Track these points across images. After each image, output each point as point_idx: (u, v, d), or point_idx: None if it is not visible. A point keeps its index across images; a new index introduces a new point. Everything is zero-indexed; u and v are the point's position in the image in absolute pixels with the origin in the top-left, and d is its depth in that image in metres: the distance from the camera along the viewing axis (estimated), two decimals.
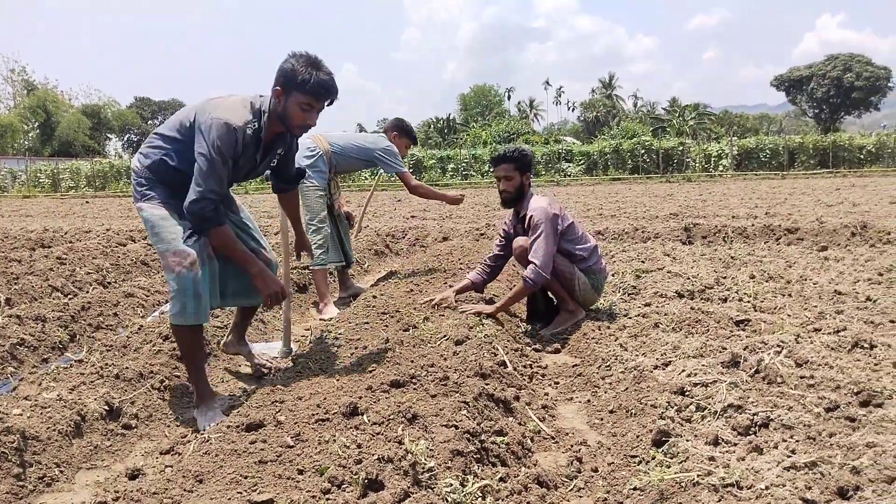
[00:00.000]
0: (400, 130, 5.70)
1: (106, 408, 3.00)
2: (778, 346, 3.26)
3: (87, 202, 27.15)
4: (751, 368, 2.98)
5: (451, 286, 4.69)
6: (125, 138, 77.27)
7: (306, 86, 2.89)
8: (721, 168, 33.57)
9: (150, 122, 78.64)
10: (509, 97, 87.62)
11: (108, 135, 73.32)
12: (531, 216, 4.35)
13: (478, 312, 4.22)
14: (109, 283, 6.28)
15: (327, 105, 3.04)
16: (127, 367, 3.39)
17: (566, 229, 4.46)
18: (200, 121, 2.93)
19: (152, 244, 3.36)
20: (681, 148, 35.12)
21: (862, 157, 32.91)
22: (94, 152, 57.19)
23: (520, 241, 4.51)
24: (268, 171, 3.41)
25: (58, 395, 2.97)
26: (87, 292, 5.70)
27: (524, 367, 3.75)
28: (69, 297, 5.41)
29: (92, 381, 3.23)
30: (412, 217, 13.61)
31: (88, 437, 2.83)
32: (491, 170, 5.11)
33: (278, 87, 2.95)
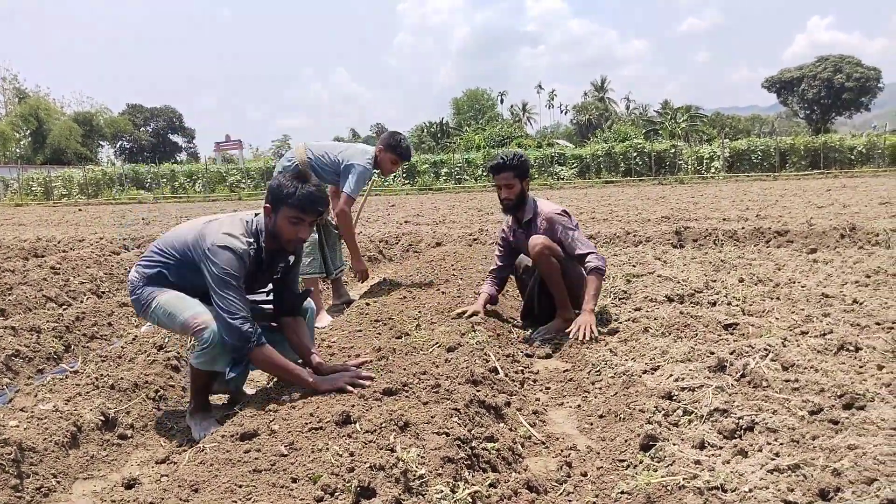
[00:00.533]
0: (386, 146, 5.47)
1: (101, 418, 3.03)
2: (764, 350, 3.31)
3: (79, 210, 27.12)
4: (737, 373, 3.03)
5: (477, 298, 4.70)
6: (118, 145, 77.16)
7: (291, 199, 2.94)
8: (713, 170, 33.74)
9: (142, 128, 78.54)
10: (502, 101, 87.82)
11: (101, 142, 73.23)
12: (547, 219, 4.46)
13: (587, 326, 4.14)
14: (104, 292, 6.31)
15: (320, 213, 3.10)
16: (122, 378, 3.42)
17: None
18: (204, 247, 2.97)
19: (168, 328, 3.20)
20: (673, 150, 35.31)
21: (853, 157, 33.14)
22: (86, 160, 57.10)
23: (538, 239, 4.39)
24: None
25: (54, 407, 3.00)
26: (82, 302, 5.72)
27: (516, 372, 3.80)
28: (63, 307, 5.43)
29: (87, 392, 3.26)
30: (406, 222, 13.66)
31: (85, 448, 2.86)
32: (488, 177, 5.06)
33: (268, 205, 3.03)
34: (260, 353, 2.92)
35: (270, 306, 3.39)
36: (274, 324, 3.35)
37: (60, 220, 20.15)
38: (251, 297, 3.28)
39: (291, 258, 3.30)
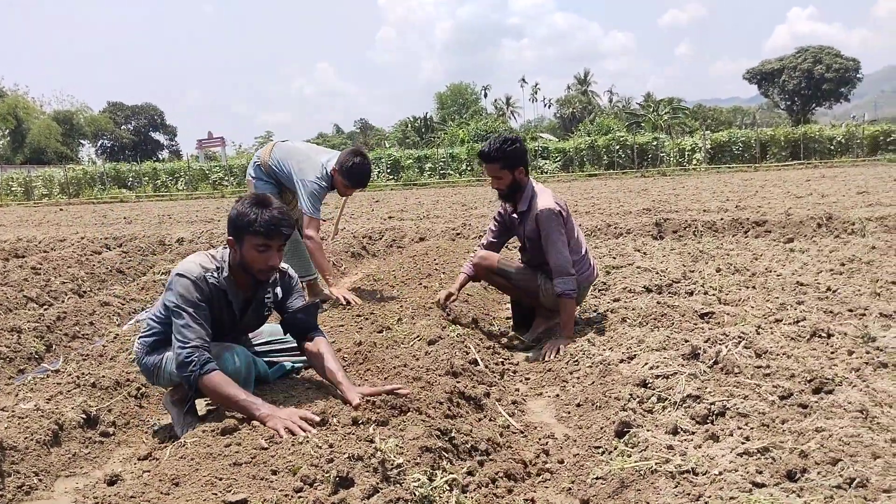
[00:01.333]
0: (339, 167, 4.85)
1: (83, 416, 3.05)
2: (738, 337, 3.38)
3: (61, 210, 26.87)
4: (710, 360, 3.09)
5: (451, 286, 4.54)
6: (98, 144, 76.41)
7: (254, 227, 2.78)
8: (695, 162, 33.98)
9: (123, 126, 77.82)
10: (486, 95, 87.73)
11: (81, 141, 72.46)
12: (536, 217, 4.13)
13: (557, 348, 4.01)
14: (85, 292, 6.29)
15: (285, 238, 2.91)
16: (104, 376, 3.43)
17: (567, 231, 4.24)
18: (168, 284, 2.88)
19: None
20: (655, 143, 35.51)
21: (832, 147, 33.49)
22: (66, 159, 56.51)
23: (476, 257, 4.43)
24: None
25: (35, 405, 3.01)
26: (63, 302, 5.70)
27: (496, 364, 3.85)
28: (44, 307, 5.42)
29: (69, 391, 3.27)
30: (389, 218, 13.68)
31: (66, 446, 2.87)
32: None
33: (230, 238, 2.86)
34: (205, 381, 2.66)
35: (289, 356, 3.31)
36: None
37: (41, 220, 19.97)
38: (269, 347, 3.31)
39: (279, 290, 3.15)
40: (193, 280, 2.82)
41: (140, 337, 3.14)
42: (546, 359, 3.97)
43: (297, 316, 3.08)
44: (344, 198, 5.49)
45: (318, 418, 2.45)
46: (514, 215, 4.38)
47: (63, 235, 12.25)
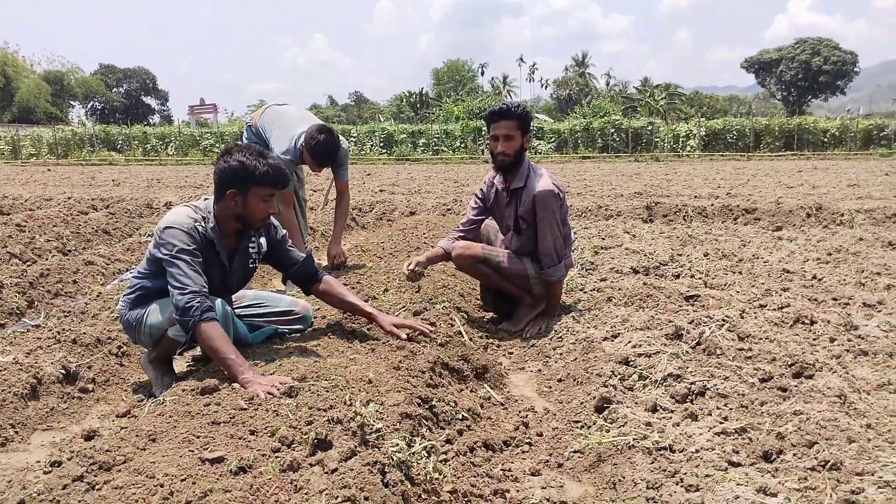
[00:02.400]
0: (305, 145, 4.70)
1: (63, 371, 3.03)
2: (722, 320, 3.39)
3: (48, 170, 26.58)
4: (693, 341, 3.10)
5: (422, 253, 4.29)
6: (89, 106, 75.43)
7: (266, 178, 2.87)
8: (688, 148, 33.96)
9: (114, 89, 76.83)
10: (482, 73, 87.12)
11: (72, 102, 71.52)
12: (535, 197, 3.88)
13: (539, 327, 3.96)
14: (70, 251, 6.22)
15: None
16: (84, 333, 3.41)
17: (563, 213, 4.05)
18: (156, 237, 2.89)
19: (163, 331, 2.97)
20: (650, 128, 35.44)
21: (826, 140, 33.52)
22: (56, 119, 55.80)
23: (459, 248, 4.09)
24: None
25: (14, 359, 2.99)
26: (47, 260, 5.65)
27: (480, 337, 3.85)
28: (28, 263, 5.36)
29: (49, 346, 3.25)
30: (381, 191, 13.61)
31: (45, 400, 2.86)
32: (485, 129, 4.24)
33: (233, 190, 2.88)
34: (203, 328, 2.67)
35: (281, 319, 3.35)
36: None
37: (28, 179, 19.75)
38: (252, 311, 3.32)
39: (263, 241, 3.20)
40: (185, 230, 2.84)
41: (123, 295, 3.14)
42: (527, 336, 3.92)
43: (303, 268, 3.26)
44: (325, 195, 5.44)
45: (300, 386, 2.40)
46: (504, 192, 4.09)
47: (50, 195, 12.12)
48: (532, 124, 4.02)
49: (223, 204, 2.94)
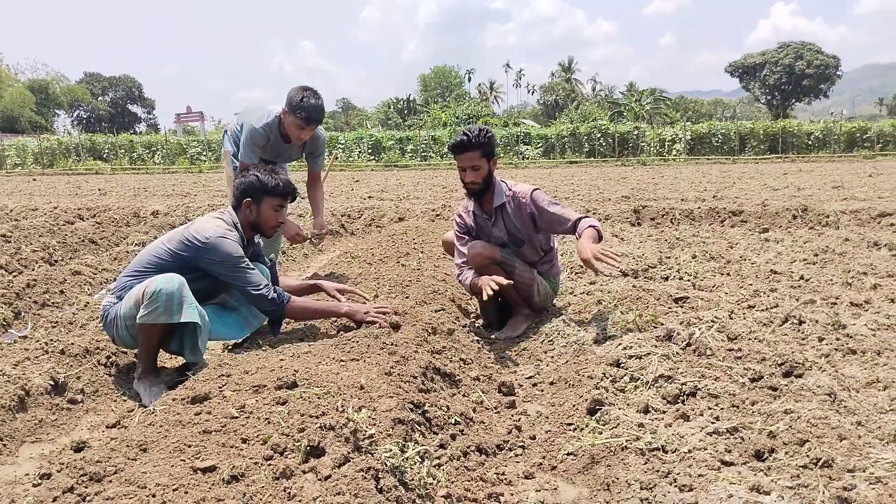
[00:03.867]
0: (287, 106, 4.49)
1: (51, 383, 3.00)
2: (711, 321, 3.41)
3: (34, 180, 26.37)
4: (683, 342, 3.11)
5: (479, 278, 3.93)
6: (74, 115, 75.03)
7: (277, 190, 3.36)
8: (674, 152, 34.18)
9: (100, 98, 76.44)
10: (469, 79, 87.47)
11: (57, 111, 71.09)
12: (527, 200, 3.93)
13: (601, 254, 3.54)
14: (56, 260, 6.17)
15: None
16: (73, 343, 3.37)
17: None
18: (201, 242, 3.16)
19: (133, 319, 3.08)
20: (636, 132, 35.66)
21: (810, 143, 33.84)
22: (41, 129, 55.41)
23: (476, 248, 3.99)
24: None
25: (1, 371, 2.95)
26: (33, 270, 5.60)
27: (472, 342, 3.84)
28: (14, 274, 5.31)
29: (37, 357, 3.22)
30: (369, 198, 13.60)
31: (33, 412, 2.83)
32: (451, 156, 4.14)
33: (248, 199, 3.34)
34: (292, 307, 3.28)
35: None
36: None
37: (14, 189, 19.59)
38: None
39: (260, 243, 3.68)
40: (234, 240, 3.24)
41: (110, 294, 3.29)
42: (600, 270, 3.80)
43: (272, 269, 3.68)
44: (324, 175, 5.38)
45: (391, 309, 3.31)
46: (484, 214, 4.07)
47: (35, 205, 12.03)
48: (497, 148, 4.04)
49: (241, 213, 3.37)
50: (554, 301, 4.39)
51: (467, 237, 4.14)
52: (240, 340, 3.56)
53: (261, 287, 3.20)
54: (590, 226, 3.81)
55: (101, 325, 3.59)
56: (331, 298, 3.62)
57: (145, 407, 2.93)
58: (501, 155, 34.98)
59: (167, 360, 3.72)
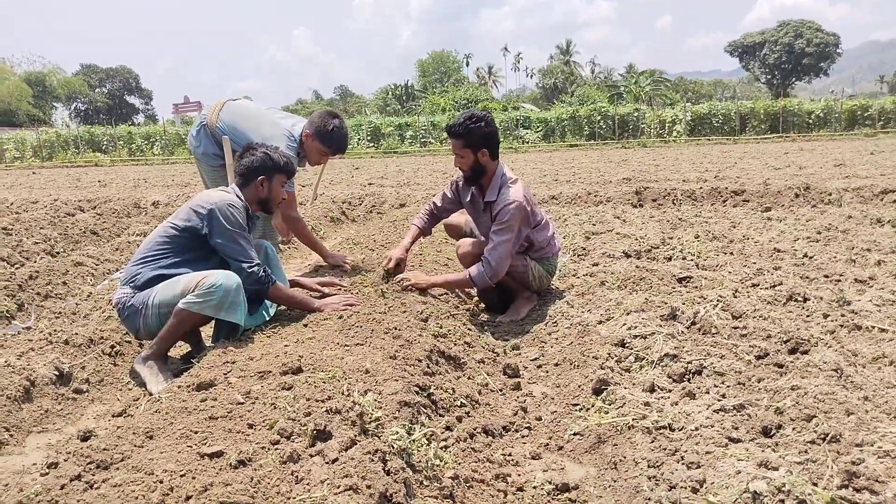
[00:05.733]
0: (315, 132, 4.33)
1: (56, 373, 3.00)
2: (716, 300, 3.40)
3: (33, 173, 26.34)
4: (688, 320, 3.11)
5: (397, 249, 4.11)
6: (72, 107, 74.77)
7: (287, 167, 3.55)
8: (675, 133, 34.06)
9: (97, 89, 76.17)
10: (468, 64, 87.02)
11: (54, 104, 70.82)
12: (502, 210, 3.82)
13: (413, 284, 3.81)
14: (58, 252, 6.16)
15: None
16: (76, 333, 3.37)
17: (534, 221, 4.04)
18: (208, 209, 3.22)
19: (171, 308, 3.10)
20: (636, 114, 35.52)
21: (811, 121, 33.71)
22: (39, 122, 55.24)
23: (466, 247, 4.12)
24: None
25: (5, 362, 2.95)
26: (35, 262, 5.59)
27: (476, 325, 3.84)
28: (16, 266, 5.30)
29: (41, 348, 3.21)
30: (370, 184, 13.57)
31: (39, 402, 2.83)
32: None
33: (262, 177, 3.44)
34: (275, 290, 3.34)
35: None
36: None
37: (13, 182, 19.56)
38: None
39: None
40: (241, 211, 3.33)
41: (123, 285, 3.24)
42: (404, 287, 3.78)
43: None
44: (319, 170, 5.26)
45: (357, 301, 3.46)
46: (480, 200, 4.07)
47: (36, 198, 12.00)
48: (485, 138, 3.88)
49: (251, 190, 3.45)
50: (556, 283, 4.38)
51: (452, 198, 4.25)
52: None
53: (253, 262, 3.25)
54: (473, 277, 3.82)
55: (108, 318, 3.60)
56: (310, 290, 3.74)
57: (151, 393, 2.92)
58: (501, 140, 34.74)
59: (178, 348, 3.72)
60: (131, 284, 3.21)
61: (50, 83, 68.33)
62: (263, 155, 3.46)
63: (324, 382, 2.35)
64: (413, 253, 5.00)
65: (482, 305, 4.40)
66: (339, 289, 3.79)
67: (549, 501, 2.08)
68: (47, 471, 2.17)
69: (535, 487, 2.13)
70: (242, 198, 3.43)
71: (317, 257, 5.29)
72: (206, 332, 3.58)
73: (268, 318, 3.58)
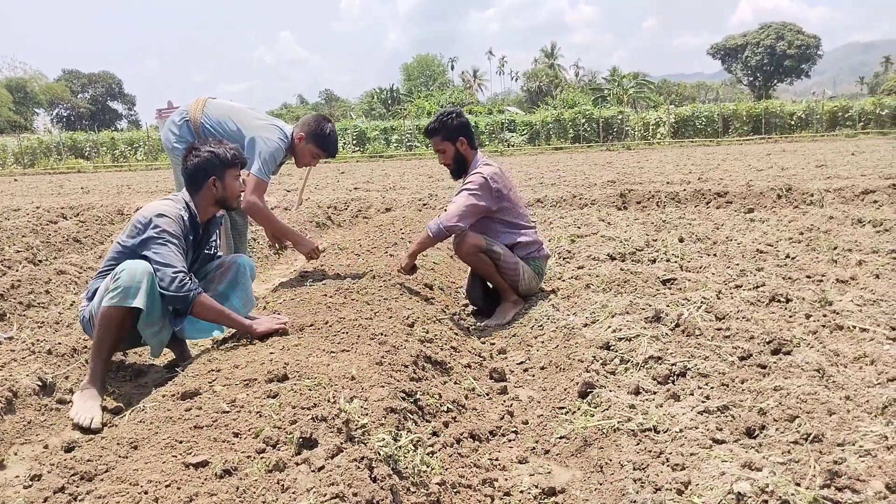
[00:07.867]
0: (309, 134, 4.36)
1: (39, 383, 2.97)
2: (699, 302, 3.43)
3: (15, 180, 26.07)
4: (672, 323, 3.13)
5: (407, 256, 4.20)
6: (54, 113, 74.14)
7: (236, 159, 3.33)
8: (658, 136, 34.27)
9: (79, 95, 75.57)
10: (452, 67, 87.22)
11: (36, 110, 70.20)
12: (468, 178, 4.14)
13: (401, 269, 4.13)
14: (40, 261, 6.11)
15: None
16: (59, 343, 3.34)
17: (508, 205, 4.18)
18: (140, 224, 3.08)
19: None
20: (620, 117, 35.72)
21: (793, 123, 34.02)
22: (20, 128, 54.72)
23: (465, 237, 4.14)
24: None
25: None
26: (17, 271, 5.53)
27: (462, 330, 3.85)
28: None
29: (23, 358, 3.18)
30: (355, 189, 13.55)
31: (21, 413, 2.80)
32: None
33: (214, 177, 3.25)
34: (201, 303, 3.03)
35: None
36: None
37: None
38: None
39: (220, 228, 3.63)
40: (174, 218, 3.12)
41: (84, 298, 3.23)
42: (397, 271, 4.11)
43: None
44: (305, 173, 5.27)
45: (287, 320, 3.20)
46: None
47: (17, 205, 11.88)
48: (460, 127, 4.19)
49: (204, 192, 3.26)
50: (541, 285, 4.40)
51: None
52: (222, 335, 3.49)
53: (177, 269, 2.97)
54: (431, 228, 4.02)
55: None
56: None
57: (78, 426, 2.76)
58: (487, 143, 34.88)
59: (162, 357, 3.69)
60: (87, 298, 3.18)
61: (31, 89, 67.76)
62: (209, 154, 3.23)
63: (309, 390, 2.34)
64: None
65: (469, 309, 4.42)
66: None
67: None
68: (30, 483, 2.16)
69: (521, 492, 2.14)
70: (192, 203, 3.25)
71: (301, 263, 5.27)
72: (202, 344, 3.56)
73: (221, 335, 3.40)
